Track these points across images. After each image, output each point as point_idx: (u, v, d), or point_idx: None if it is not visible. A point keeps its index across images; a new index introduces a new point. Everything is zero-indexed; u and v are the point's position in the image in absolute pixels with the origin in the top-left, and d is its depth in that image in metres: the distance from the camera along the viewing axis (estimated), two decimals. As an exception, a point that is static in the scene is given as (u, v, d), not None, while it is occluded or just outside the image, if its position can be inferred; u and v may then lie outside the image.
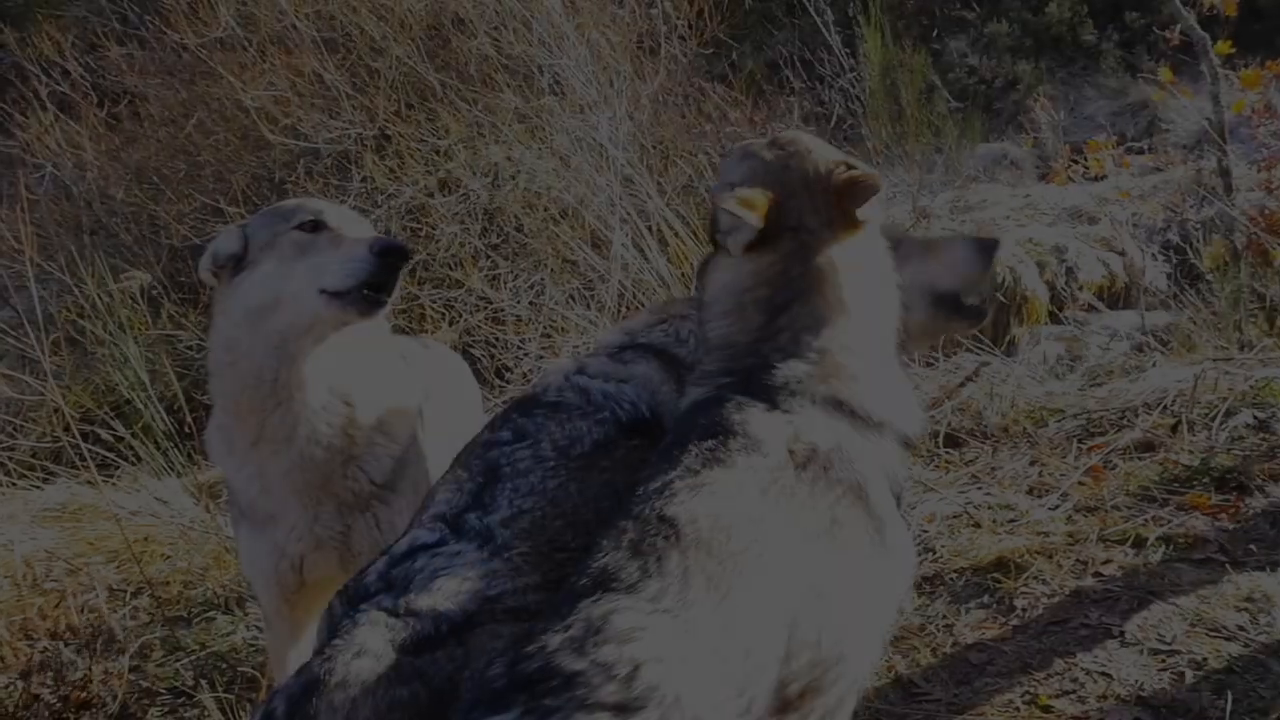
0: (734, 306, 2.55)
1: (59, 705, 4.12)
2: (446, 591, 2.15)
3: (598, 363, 2.86)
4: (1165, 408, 5.31)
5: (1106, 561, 4.17)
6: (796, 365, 2.42)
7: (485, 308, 7.15)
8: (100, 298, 6.23)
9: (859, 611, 2.22)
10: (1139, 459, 4.93)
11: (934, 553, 4.42)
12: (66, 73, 9.08)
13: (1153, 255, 8.09)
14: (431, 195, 7.41)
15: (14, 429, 6.35)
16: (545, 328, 6.98)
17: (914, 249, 3.28)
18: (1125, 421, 5.31)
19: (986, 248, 3.30)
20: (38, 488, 5.88)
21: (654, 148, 7.95)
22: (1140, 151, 10.33)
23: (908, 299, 3.07)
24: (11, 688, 4.12)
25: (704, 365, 2.55)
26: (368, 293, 2.91)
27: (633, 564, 1.96)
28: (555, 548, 2.35)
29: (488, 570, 2.22)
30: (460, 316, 7.12)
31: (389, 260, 2.93)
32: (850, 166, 2.63)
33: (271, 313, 2.95)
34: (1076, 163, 9.43)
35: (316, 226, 3.04)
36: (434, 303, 7.11)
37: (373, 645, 2.03)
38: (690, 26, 8.77)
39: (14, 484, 5.87)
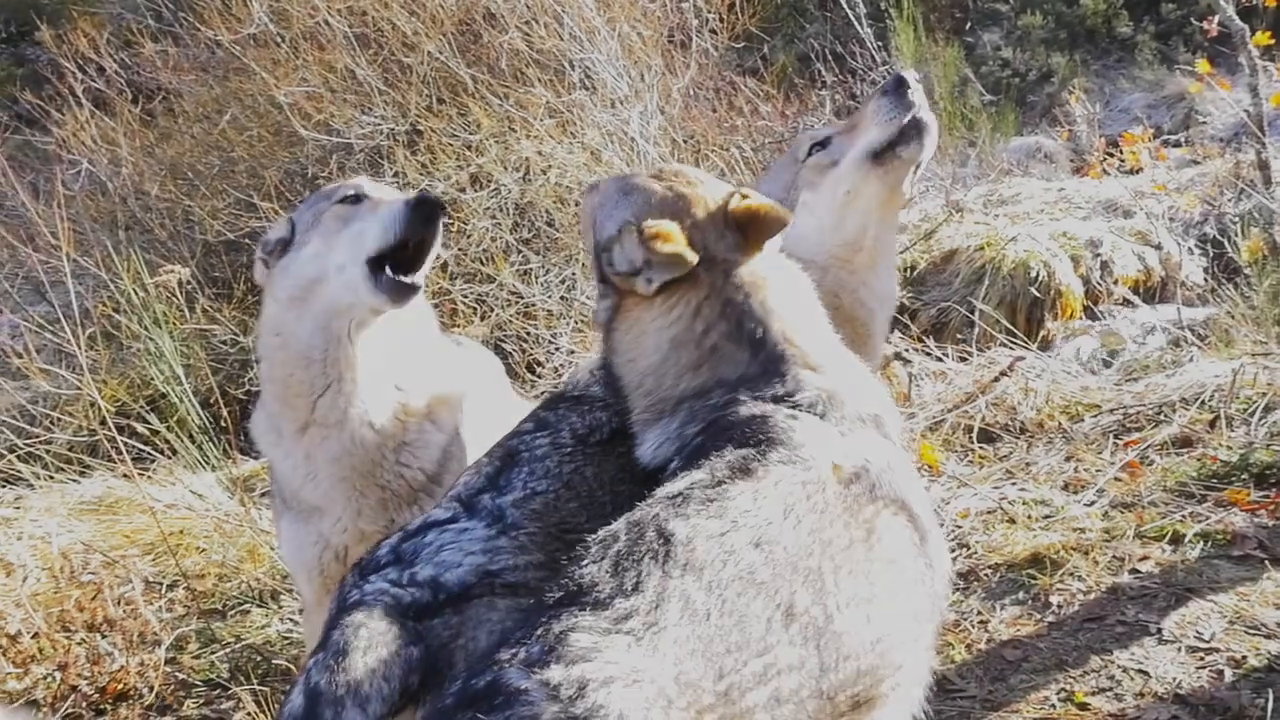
0: (709, 349, 2.47)
1: (96, 696, 4.16)
2: (448, 564, 2.20)
3: None
4: (1203, 403, 5.26)
5: (1143, 558, 4.13)
6: (819, 380, 2.39)
7: (517, 302, 7.15)
8: (136, 293, 6.28)
9: (906, 622, 2.17)
10: (1176, 454, 4.89)
11: (968, 548, 4.40)
12: (102, 69, 9.15)
13: (1189, 249, 8.00)
14: (463, 190, 7.41)
15: (51, 423, 6.40)
16: (577, 322, 6.98)
17: (839, 138, 3.34)
18: (1162, 417, 5.27)
19: (890, 89, 3.31)
20: (75, 481, 5.94)
21: (685, 142, 7.94)
22: (1177, 144, 10.25)
23: (857, 180, 3.24)
24: (49, 678, 4.17)
25: (704, 400, 2.45)
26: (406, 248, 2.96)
27: (610, 581, 1.90)
28: (566, 529, 2.37)
29: (492, 546, 2.26)
30: (492, 311, 7.13)
31: (423, 210, 2.97)
32: (744, 195, 2.59)
33: (318, 287, 3.00)
34: (1112, 156, 9.36)
35: (358, 199, 3.10)
36: (465, 298, 7.13)
37: (379, 609, 2.09)
38: (721, 20, 8.74)
39: (51, 477, 5.92)
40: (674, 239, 2.44)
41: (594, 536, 2.02)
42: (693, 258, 2.43)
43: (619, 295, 2.55)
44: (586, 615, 1.83)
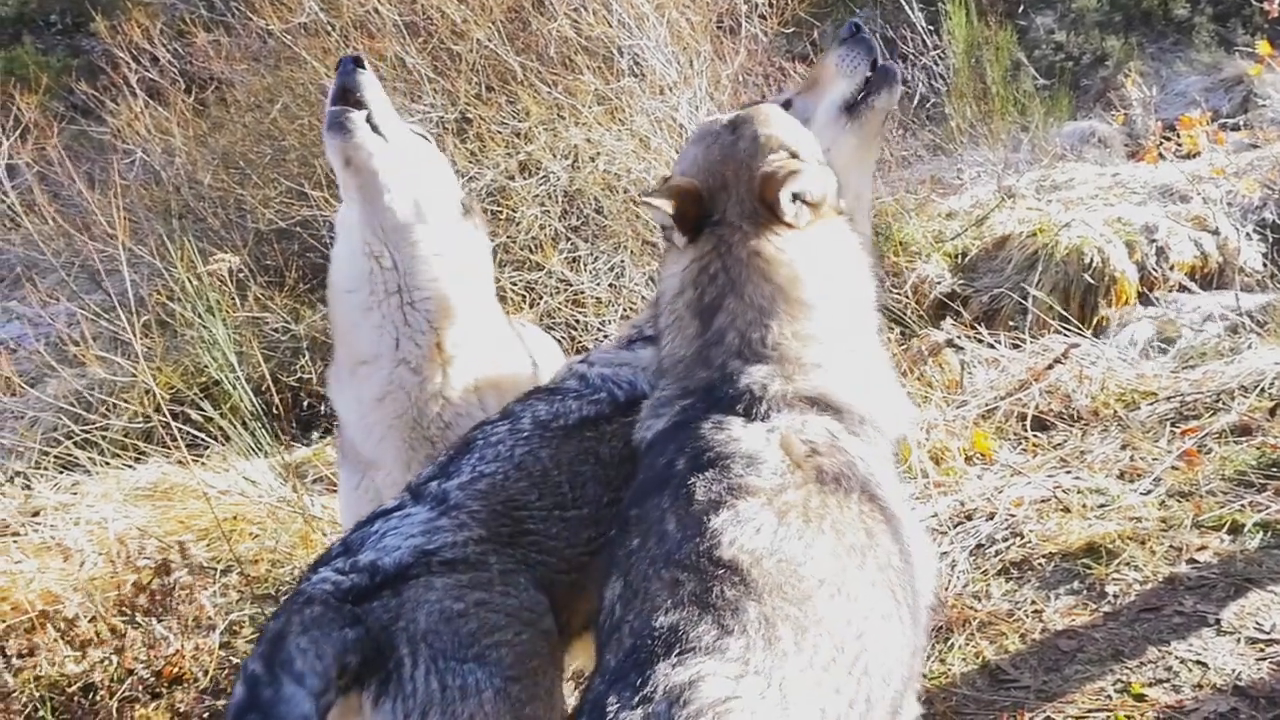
0: (673, 318, 2.47)
1: (152, 679, 4.21)
2: (388, 548, 2.25)
3: (602, 354, 3.04)
4: (1262, 390, 5.17)
5: (1201, 548, 4.08)
6: (757, 369, 2.30)
7: (565, 290, 7.15)
8: (189, 281, 6.34)
9: (905, 627, 2.07)
10: (1235, 443, 4.81)
11: (1022, 537, 4.35)
12: (155, 60, 9.24)
13: (1248, 234, 7.85)
14: (512, 178, 7.42)
15: (107, 409, 6.48)
16: (625, 310, 6.97)
17: (801, 98, 3.31)
18: (1220, 404, 5.18)
19: (847, 37, 3.32)
20: (130, 467, 6.00)
21: (735, 128, 7.89)
22: (1235, 128, 10.07)
23: (834, 135, 3.19)
24: (107, 662, 4.22)
25: (658, 393, 2.44)
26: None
27: (705, 619, 1.76)
28: (514, 506, 2.44)
29: (431, 527, 2.31)
30: (540, 299, 7.13)
31: (341, 67, 3.15)
32: (793, 155, 2.50)
33: (347, 216, 3.18)
34: (1168, 140, 9.21)
35: None
36: (514, 285, 7.14)
37: (319, 595, 2.13)
38: (771, 5, 8.68)
39: (107, 463, 5.99)
40: (673, 195, 2.46)
41: (645, 588, 1.93)
42: (667, 210, 2.46)
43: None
44: (705, 660, 1.70)
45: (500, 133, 7.43)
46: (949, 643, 3.80)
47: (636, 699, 1.65)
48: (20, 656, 4.24)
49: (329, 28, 8.12)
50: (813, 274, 2.43)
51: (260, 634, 2.14)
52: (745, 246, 2.41)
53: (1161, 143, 9.01)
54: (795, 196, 2.43)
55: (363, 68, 3.13)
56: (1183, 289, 7.51)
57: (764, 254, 2.41)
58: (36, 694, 4.12)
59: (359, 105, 3.09)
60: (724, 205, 2.46)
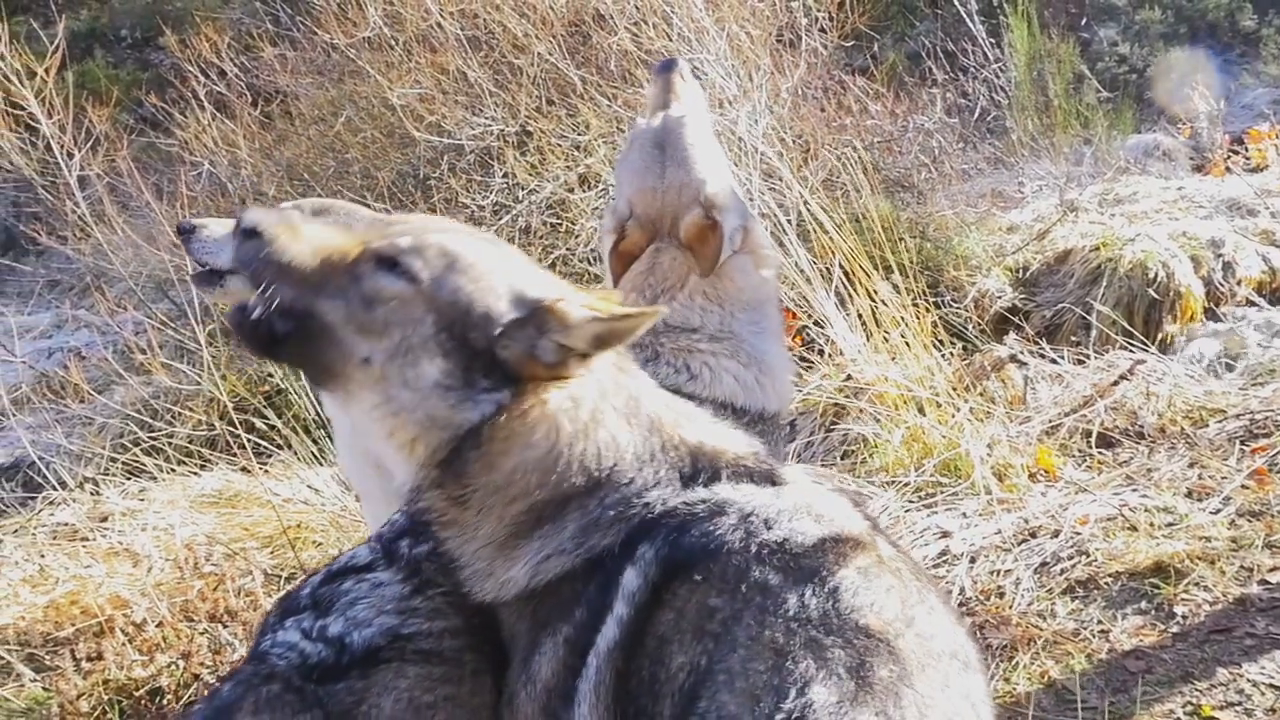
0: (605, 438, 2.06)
1: (217, 684, 4.25)
2: (359, 621, 2.12)
3: None
4: (1334, 409, 5.08)
5: (1273, 568, 4.01)
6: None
7: (625, 302, 7.16)
8: (255, 290, 6.41)
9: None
10: (1308, 462, 4.73)
11: (1088, 556, 4.30)
12: (223, 73, 9.38)
13: (1317, 249, 7.71)
14: (572, 190, 7.46)
15: (173, 417, 6.58)
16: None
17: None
18: (1292, 423, 5.09)
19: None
20: (196, 474, 6.08)
21: (794, 141, 7.88)
22: (1305, 141, 9.90)
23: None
24: (173, 667, 4.27)
25: (593, 516, 2.02)
26: None
27: (868, 706, 1.57)
28: None
29: (405, 607, 2.17)
30: (600, 311, 7.16)
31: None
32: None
33: None
34: (1236, 153, 9.08)
35: None
36: (574, 297, 7.16)
37: (280, 672, 2.04)
38: (831, 19, 8.66)
39: (174, 470, 6.08)
40: (613, 304, 2.06)
41: (776, 644, 1.69)
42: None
43: (515, 384, 2.05)
44: None
45: (560, 145, 7.48)
46: (1014, 662, 3.76)
47: None
48: (89, 660, 4.31)
49: (392, 42, 8.21)
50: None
51: (211, 691, 2.07)
52: None
53: (1228, 156, 8.90)
54: None
55: (190, 231, 3.59)
56: (1250, 304, 7.39)
57: None
58: (105, 697, 4.18)
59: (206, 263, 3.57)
60: None
